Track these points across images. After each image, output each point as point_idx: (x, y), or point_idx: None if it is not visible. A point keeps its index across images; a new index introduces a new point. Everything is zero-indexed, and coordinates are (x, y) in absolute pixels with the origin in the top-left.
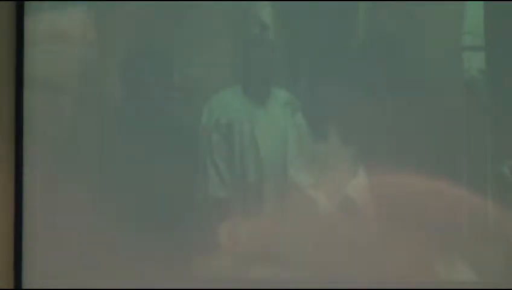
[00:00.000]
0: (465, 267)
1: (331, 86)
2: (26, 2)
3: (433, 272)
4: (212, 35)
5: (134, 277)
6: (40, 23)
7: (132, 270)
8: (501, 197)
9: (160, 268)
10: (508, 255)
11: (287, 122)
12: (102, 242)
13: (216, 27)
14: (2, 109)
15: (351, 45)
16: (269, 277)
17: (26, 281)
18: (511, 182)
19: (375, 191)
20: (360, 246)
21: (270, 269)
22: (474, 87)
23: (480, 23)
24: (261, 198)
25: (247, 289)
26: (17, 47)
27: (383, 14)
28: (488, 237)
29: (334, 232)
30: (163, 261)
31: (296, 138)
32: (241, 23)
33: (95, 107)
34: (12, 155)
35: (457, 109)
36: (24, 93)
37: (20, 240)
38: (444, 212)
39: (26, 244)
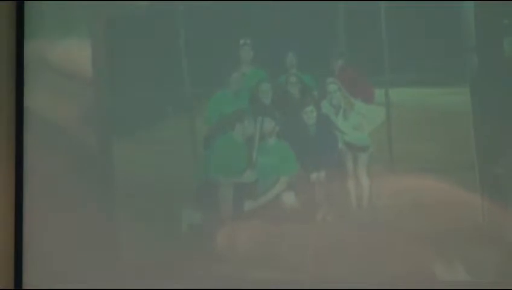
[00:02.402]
0: (463, 268)
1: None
2: (26, 2)
3: (431, 273)
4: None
5: (134, 277)
6: (40, 22)
7: (132, 271)
8: (496, 197)
9: (160, 268)
10: (505, 254)
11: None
12: (102, 242)
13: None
14: (3, 109)
15: (351, 50)
16: (268, 280)
17: (26, 281)
18: (504, 181)
19: (374, 193)
20: (359, 247)
21: (269, 272)
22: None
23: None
24: (260, 202)
25: (247, 289)
26: (17, 47)
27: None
28: (484, 236)
29: (334, 235)
30: (163, 262)
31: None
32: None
33: (96, 107)
34: (13, 156)
35: (454, 111)
36: (24, 93)
37: (20, 240)
38: (441, 214)
39: (26, 244)
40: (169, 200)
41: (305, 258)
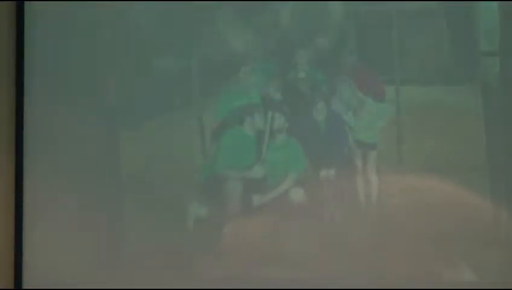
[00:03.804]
0: (469, 268)
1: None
2: (26, 2)
3: (438, 273)
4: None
5: (134, 277)
6: (40, 23)
7: (132, 271)
8: (504, 198)
9: (160, 268)
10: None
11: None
12: (102, 242)
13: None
14: (3, 110)
15: (362, 47)
16: (274, 276)
17: (26, 281)
18: None
19: (383, 192)
20: (366, 244)
21: (275, 268)
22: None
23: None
24: (268, 198)
25: (249, 289)
26: (17, 48)
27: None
28: (491, 237)
29: (342, 232)
30: (163, 261)
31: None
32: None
33: (96, 108)
34: (13, 157)
35: (464, 111)
36: (25, 93)
37: (20, 240)
38: (448, 214)
39: (26, 244)
40: (176, 194)
41: (312, 255)
